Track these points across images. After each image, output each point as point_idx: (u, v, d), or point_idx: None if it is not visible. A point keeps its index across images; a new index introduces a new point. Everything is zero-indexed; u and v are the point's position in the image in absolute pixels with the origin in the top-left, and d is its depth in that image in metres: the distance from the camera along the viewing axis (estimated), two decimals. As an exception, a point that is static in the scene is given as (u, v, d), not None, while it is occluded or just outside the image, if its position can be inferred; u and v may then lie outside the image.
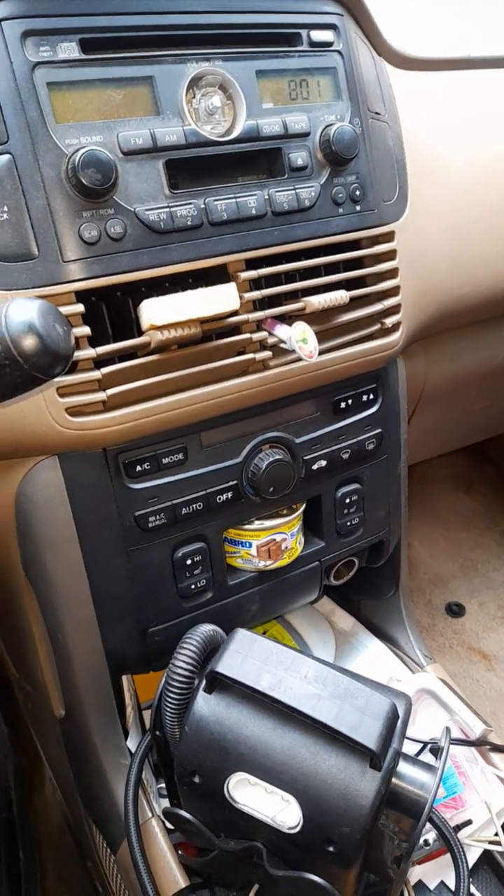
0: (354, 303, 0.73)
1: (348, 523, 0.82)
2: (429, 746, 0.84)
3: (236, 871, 0.70)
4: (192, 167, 0.63)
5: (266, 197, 0.65)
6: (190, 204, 0.61)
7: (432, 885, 0.79)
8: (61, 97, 0.57)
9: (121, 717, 0.79)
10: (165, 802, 0.74)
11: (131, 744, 0.79)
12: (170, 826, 0.73)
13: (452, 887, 0.80)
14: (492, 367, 1.11)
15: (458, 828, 0.80)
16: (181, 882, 0.71)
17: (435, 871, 0.79)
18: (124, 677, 0.80)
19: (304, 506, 0.80)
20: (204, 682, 0.62)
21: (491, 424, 1.43)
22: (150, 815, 0.74)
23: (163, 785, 0.76)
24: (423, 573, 1.78)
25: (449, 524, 1.93)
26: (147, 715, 0.88)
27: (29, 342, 0.43)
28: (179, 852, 0.73)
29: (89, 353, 0.59)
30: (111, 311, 0.63)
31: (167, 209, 0.60)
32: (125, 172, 0.59)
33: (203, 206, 0.62)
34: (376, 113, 0.74)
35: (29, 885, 1.17)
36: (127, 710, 0.82)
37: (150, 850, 0.71)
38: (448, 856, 0.73)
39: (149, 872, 0.68)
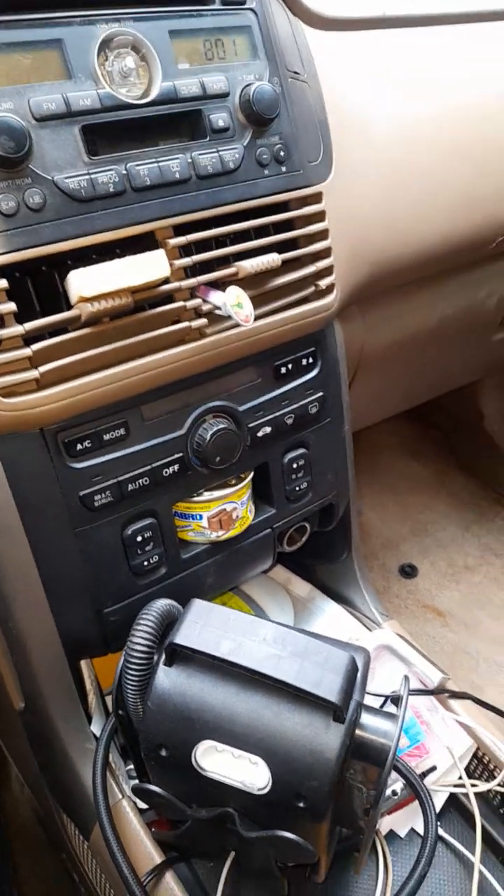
0: (287, 266, 0.72)
1: (297, 488, 0.82)
2: (390, 699, 0.85)
3: (211, 840, 0.70)
4: (110, 132, 0.61)
5: (189, 160, 0.64)
6: (111, 170, 0.60)
7: (402, 833, 0.81)
8: (-36, 62, 0.54)
9: (83, 703, 0.78)
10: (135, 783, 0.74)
11: (95, 728, 0.78)
12: (142, 806, 0.73)
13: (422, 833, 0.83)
14: (428, 328, 1.13)
15: (424, 775, 0.82)
16: (156, 858, 0.70)
17: (404, 819, 0.81)
18: (83, 662, 0.79)
19: (252, 474, 0.79)
20: (164, 656, 0.62)
21: (432, 387, 1.45)
22: (119, 796, 0.73)
23: (132, 766, 0.76)
24: (376, 538, 1.81)
25: (398, 489, 1.97)
26: (110, 700, 0.87)
27: None
28: (153, 829, 0.73)
29: (16, 329, 0.57)
30: (38, 287, 0.61)
31: (87, 176, 0.58)
32: (40, 139, 0.57)
33: (125, 171, 0.60)
34: (295, 72, 0.74)
35: (2, 882, 1.15)
36: (89, 696, 0.81)
37: (122, 831, 0.70)
38: (416, 803, 0.75)
39: (123, 852, 0.67)
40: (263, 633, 0.62)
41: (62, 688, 0.74)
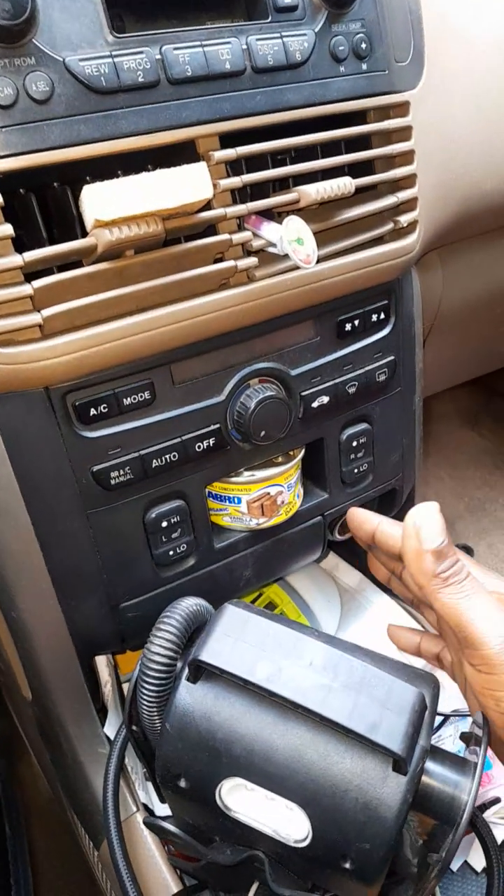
0: (360, 196, 0.59)
1: (356, 470, 0.70)
2: (451, 720, 0.74)
3: (235, 878, 0.61)
4: (141, 3, 0.48)
5: (244, 46, 0.50)
6: (140, 53, 0.46)
7: (455, 867, 0.73)
8: None
9: (96, 698, 0.70)
10: (152, 789, 0.66)
11: (110, 729, 0.70)
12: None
13: (477, 867, 0.73)
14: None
15: (486, 806, 0.72)
16: (172, 886, 0.63)
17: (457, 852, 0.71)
18: (99, 655, 0.70)
19: (302, 451, 0.68)
20: (187, 669, 0.51)
21: (504, 353, 1.30)
22: (133, 808, 0.67)
23: (147, 771, 0.67)
24: (429, 515, 1.69)
25: (455, 462, 1.84)
26: (127, 688, 0.79)
27: None
28: (169, 848, 0.65)
29: (14, 259, 0.45)
30: (47, 208, 0.49)
31: (109, 59, 0.45)
32: (47, 6, 0.44)
33: (159, 56, 0.47)
34: None
35: (17, 860, 1.11)
36: (105, 689, 0.72)
37: (135, 851, 0.64)
38: (472, 835, 0.65)
39: (133, 880, 0.60)
40: (310, 655, 0.51)
41: (72, 687, 0.66)
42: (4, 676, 0.81)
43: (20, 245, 0.46)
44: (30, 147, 0.44)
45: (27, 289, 0.46)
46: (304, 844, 0.49)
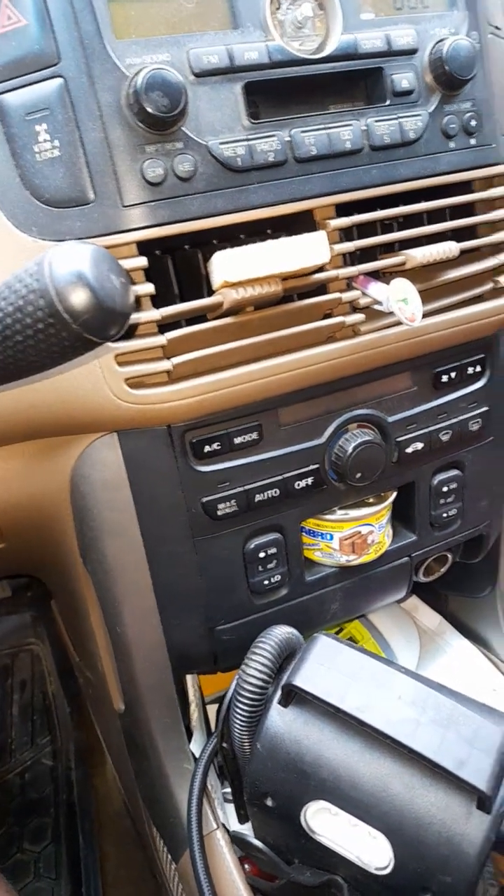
0: (463, 257, 0.62)
1: (444, 514, 0.72)
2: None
3: (311, 901, 0.62)
4: (275, 92, 0.53)
5: (363, 128, 0.55)
6: (273, 136, 0.52)
7: None
8: (121, 7, 0.48)
9: (184, 717, 0.73)
10: (231, 809, 0.69)
11: (195, 746, 0.73)
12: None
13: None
14: None
15: None
16: None
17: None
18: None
19: (394, 494, 0.70)
20: (279, 693, 0.54)
21: None
22: (214, 825, 0.68)
23: (228, 790, 0.70)
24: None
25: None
26: (211, 710, 0.82)
27: (78, 296, 0.35)
28: (246, 867, 0.67)
29: (153, 314, 0.51)
30: (178, 267, 0.55)
31: (246, 143, 0.51)
32: (196, 98, 0.50)
33: (288, 138, 0.52)
34: (496, 27, 0.62)
35: (89, 869, 1.14)
36: (191, 709, 0.75)
37: (213, 866, 0.65)
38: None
39: (213, 894, 0.61)
40: (400, 688, 0.53)
41: (164, 701, 0.69)
42: (94, 689, 0.85)
43: (153, 300, 0.52)
44: (174, 218, 0.50)
45: (161, 340, 0.51)
46: (386, 872, 0.51)
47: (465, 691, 0.63)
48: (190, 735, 0.73)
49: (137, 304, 0.50)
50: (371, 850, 0.52)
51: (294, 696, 0.55)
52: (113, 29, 0.48)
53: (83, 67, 0.47)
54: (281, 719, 0.55)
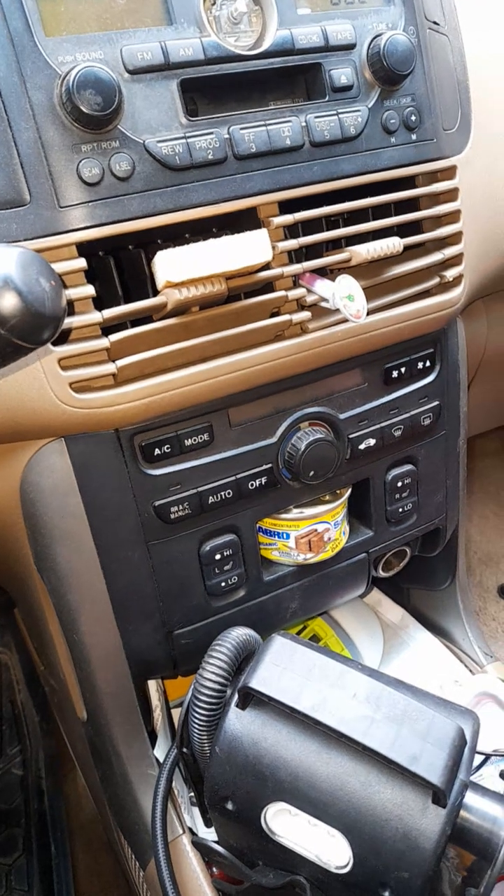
0: (408, 252, 0.62)
1: (400, 510, 0.72)
2: (492, 760, 0.75)
3: (276, 901, 0.62)
4: (212, 89, 0.52)
5: (303, 124, 0.54)
6: (211, 133, 0.51)
7: None
8: (51, 4, 0.47)
9: (147, 721, 0.72)
10: (197, 813, 0.68)
11: (159, 752, 0.72)
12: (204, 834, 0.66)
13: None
14: None
15: None
16: None
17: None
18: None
19: (349, 491, 0.70)
20: (237, 696, 0.54)
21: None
22: (180, 831, 0.67)
23: (194, 794, 0.69)
24: (473, 553, 1.67)
25: (500, 500, 1.81)
26: (176, 714, 0.81)
27: (5, 300, 0.34)
28: (214, 871, 0.66)
29: (94, 317, 0.50)
30: (122, 268, 0.54)
31: (183, 140, 0.50)
32: (131, 95, 0.49)
33: (227, 135, 0.52)
34: (434, 23, 0.62)
35: (60, 877, 1.13)
36: (155, 714, 0.75)
37: (179, 871, 0.65)
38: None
39: None
40: (355, 686, 0.53)
41: (126, 707, 0.69)
42: (58, 697, 0.84)
43: (96, 301, 0.51)
44: (112, 218, 0.49)
45: (104, 342, 0.51)
46: (345, 871, 0.51)
47: (428, 683, 0.64)
48: (154, 740, 0.73)
49: (74, 307, 0.49)
50: (330, 849, 0.51)
51: (252, 699, 0.54)
52: (43, 26, 0.46)
53: (13, 66, 0.46)
54: (239, 722, 0.54)
